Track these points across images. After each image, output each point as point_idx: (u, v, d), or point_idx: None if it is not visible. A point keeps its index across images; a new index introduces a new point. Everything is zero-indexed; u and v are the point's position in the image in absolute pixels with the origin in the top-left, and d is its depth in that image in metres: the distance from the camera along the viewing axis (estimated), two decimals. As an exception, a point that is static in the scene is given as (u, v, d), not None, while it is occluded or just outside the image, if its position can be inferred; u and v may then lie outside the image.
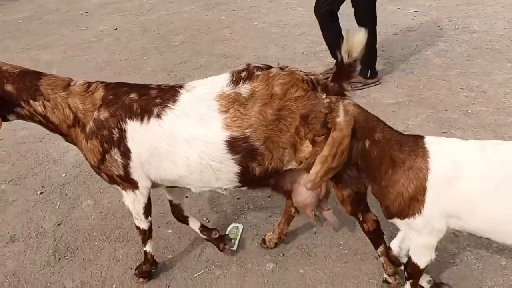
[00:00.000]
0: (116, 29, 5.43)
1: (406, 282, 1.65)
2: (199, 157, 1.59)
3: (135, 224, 1.86)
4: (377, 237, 1.77)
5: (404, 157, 1.45)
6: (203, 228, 2.04)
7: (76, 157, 2.94)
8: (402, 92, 3.37)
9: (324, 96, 1.57)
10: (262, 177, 1.66)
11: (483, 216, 1.39)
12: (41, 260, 2.12)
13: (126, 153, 1.64)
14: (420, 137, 1.48)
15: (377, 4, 3.37)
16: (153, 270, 1.95)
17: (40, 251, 2.17)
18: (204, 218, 2.32)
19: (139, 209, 1.79)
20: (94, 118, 1.64)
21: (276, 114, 1.56)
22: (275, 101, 1.56)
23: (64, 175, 2.75)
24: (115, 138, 1.63)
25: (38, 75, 1.69)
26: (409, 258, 1.61)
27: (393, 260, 1.75)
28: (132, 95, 1.65)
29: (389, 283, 1.83)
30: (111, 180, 1.74)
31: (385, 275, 1.84)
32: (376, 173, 1.48)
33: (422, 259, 1.56)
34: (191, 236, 2.16)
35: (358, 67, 1.65)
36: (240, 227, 2.23)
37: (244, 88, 1.59)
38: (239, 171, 1.62)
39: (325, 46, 3.55)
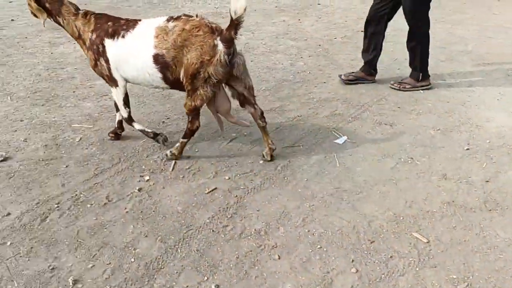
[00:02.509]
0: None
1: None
2: (141, 65, 2.43)
3: (121, 114, 2.77)
4: (190, 134, 2.62)
5: None
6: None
7: (498, 128, 3.05)
8: None
9: (218, 38, 2.29)
10: (177, 83, 2.43)
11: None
12: (473, 204, 2.35)
13: (107, 61, 2.52)
14: None
15: None
16: (160, 137, 2.80)
17: (471, 196, 2.41)
18: None
19: (120, 100, 2.66)
20: (89, 38, 2.53)
21: (183, 42, 2.31)
22: (184, 34, 2.30)
23: (487, 141, 2.91)
24: (100, 51, 2.51)
25: (61, 2, 2.56)
26: None
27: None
28: (109, 23, 2.50)
29: (167, 155, 2.69)
30: (104, 79, 2.63)
31: (169, 151, 2.69)
32: None
33: None
34: None
35: (243, 22, 2.23)
36: None
37: (171, 24, 2.36)
38: (161, 76, 2.43)
39: None
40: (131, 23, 2.48)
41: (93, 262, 1.97)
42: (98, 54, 2.52)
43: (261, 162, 2.71)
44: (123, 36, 2.45)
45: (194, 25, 2.31)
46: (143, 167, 2.66)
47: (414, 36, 3.50)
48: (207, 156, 2.77)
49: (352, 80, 3.74)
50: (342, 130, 3.07)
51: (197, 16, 2.38)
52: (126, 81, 2.62)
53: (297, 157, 2.76)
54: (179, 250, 2.04)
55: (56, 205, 2.32)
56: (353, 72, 3.80)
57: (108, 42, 2.47)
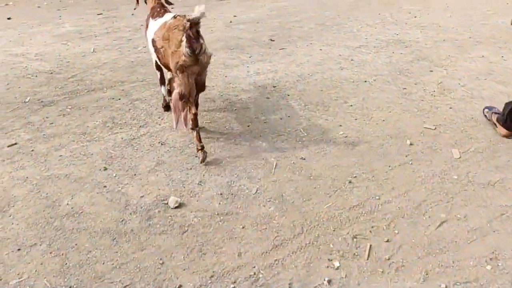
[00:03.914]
0: None
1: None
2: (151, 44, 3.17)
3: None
4: (195, 124, 2.91)
5: None
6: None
7: None
8: None
9: (185, 35, 2.66)
10: (166, 67, 3.09)
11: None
12: None
13: (149, 34, 3.26)
14: None
15: None
16: (163, 105, 3.63)
17: None
18: None
19: (154, 63, 3.40)
20: (147, 15, 3.38)
21: (168, 35, 2.83)
22: (170, 30, 2.82)
23: None
24: (148, 25, 3.28)
25: None
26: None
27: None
28: (157, 9, 3.28)
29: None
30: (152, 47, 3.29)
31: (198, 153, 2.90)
32: None
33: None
34: None
35: (199, 23, 2.61)
36: None
37: (169, 21, 2.93)
38: (157, 57, 3.13)
39: None
40: (161, 13, 3.20)
41: None
42: (146, 27, 3.32)
43: (488, 267, 2.01)
44: (155, 20, 3.18)
45: (175, 24, 2.81)
46: (331, 245, 2.17)
47: None
48: (410, 244, 2.16)
49: None
50: None
51: (185, 16, 2.79)
52: None
53: (544, 271, 1.99)
54: None
55: (232, 285, 1.95)
56: None
57: (150, 21, 3.26)
